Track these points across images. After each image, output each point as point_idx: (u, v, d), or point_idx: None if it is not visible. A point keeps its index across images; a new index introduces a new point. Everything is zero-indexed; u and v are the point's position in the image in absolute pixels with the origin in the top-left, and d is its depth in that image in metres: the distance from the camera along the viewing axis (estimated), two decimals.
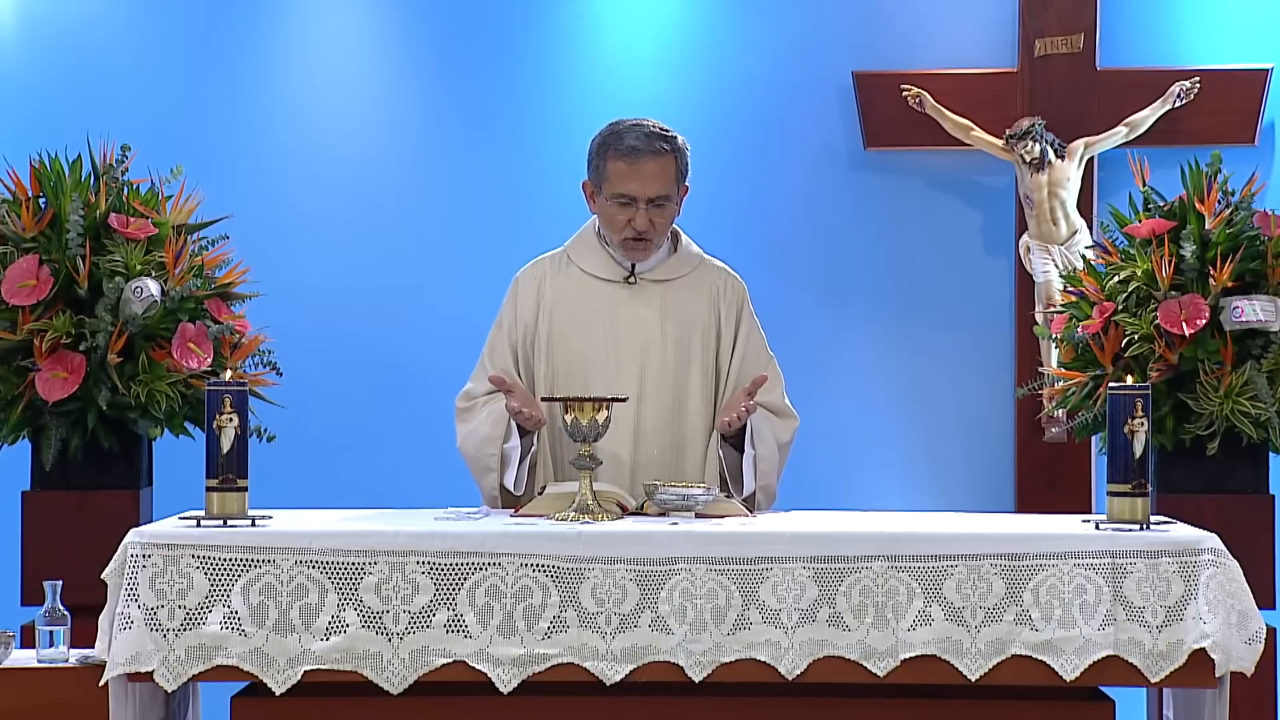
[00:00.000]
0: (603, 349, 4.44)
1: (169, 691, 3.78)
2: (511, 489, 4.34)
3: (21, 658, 3.92)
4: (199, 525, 3.78)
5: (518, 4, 6.17)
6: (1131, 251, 4.80)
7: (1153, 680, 3.71)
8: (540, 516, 3.96)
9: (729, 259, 4.64)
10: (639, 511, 4.08)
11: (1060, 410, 5.08)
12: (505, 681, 3.70)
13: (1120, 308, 4.72)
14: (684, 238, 4.57)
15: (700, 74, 6.13)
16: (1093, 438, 5.33)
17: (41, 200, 4.73)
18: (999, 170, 6.09)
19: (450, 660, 3.71)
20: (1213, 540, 3.77)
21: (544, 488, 4.26)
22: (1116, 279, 4.78)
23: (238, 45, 6.15)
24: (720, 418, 4.31)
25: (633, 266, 4.48)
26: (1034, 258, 5.96)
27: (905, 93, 6.04)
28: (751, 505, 4.31)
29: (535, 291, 4.51)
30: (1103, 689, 3.87)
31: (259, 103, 6.16)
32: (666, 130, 4.40)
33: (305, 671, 3.70)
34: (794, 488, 4.60)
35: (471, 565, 3.73)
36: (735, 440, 4.34)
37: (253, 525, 3.81)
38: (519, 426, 4.32)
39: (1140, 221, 4.83)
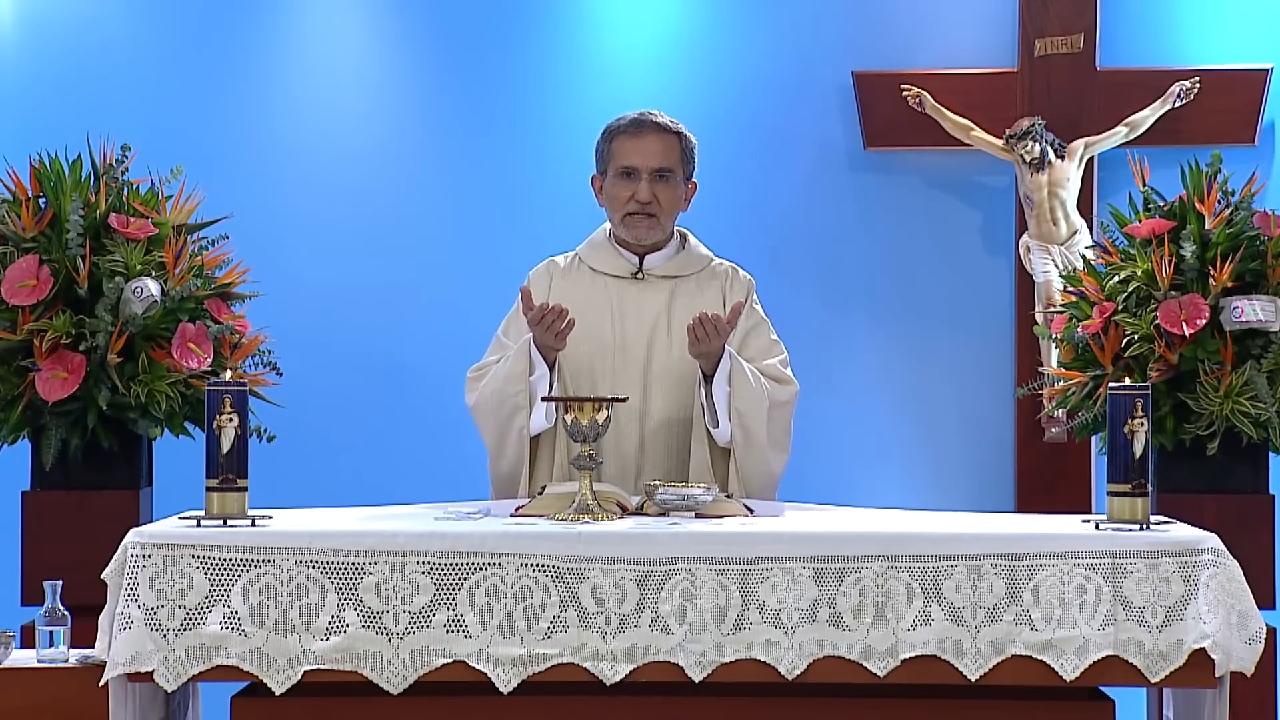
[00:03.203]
0: (609, 339, 4.47)
1: (169, 691, 3.78)
2: (545, 422, 4.35)
3: (21, 658, 3.92)
4: (199, 525, 3.78)
5: (518, 4, 6.17)
6: (1131, 251, 4.80)
7: (1153, 680, 3.71)
8: (540, 516, 3.96)
9: (729, 258, 4.65)
10: (639, 511, 4.08)
11: (1060, 410, 5.07)
12: (505, 681, 3.70)
13: (1120, 308, 4.72)
14: (692, 238, 4.60)
15: (700, 74, 6.14)
16: (1093, 438, 5.33)
17: (41, 200, 4.73)
18: (999, 170, 6.09)
19: (450, 660, 3.71)
20: (1213, 540, 3.77)
21: (544, 488, 4.26)
22: (1116, 279, 4.78)
23: (237, 45, 6.16)
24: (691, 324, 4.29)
25: (640, 262, 4.50)
26: (1034, 258, 5.96)
27: (905, 93, 6.05)
28: (730, 484, 4.31)
29: (546, 284, 4.56)
30: (1103, 689, 3.87)
31: (259, 103, 6.16)
32: (673, 119, 4.45)
33: (305, 671, 3.70)
34: (794, 488, 4.60)
35: (471, 565, 3.73)
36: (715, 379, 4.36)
37: (253, 525, 3.80)
38: (543, 358, 4.33)
39: (1140, 221, 4.83)
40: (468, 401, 4.48)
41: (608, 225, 4.58)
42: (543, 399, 4.33)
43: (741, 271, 4.61)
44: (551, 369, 4.36)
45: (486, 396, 4.42)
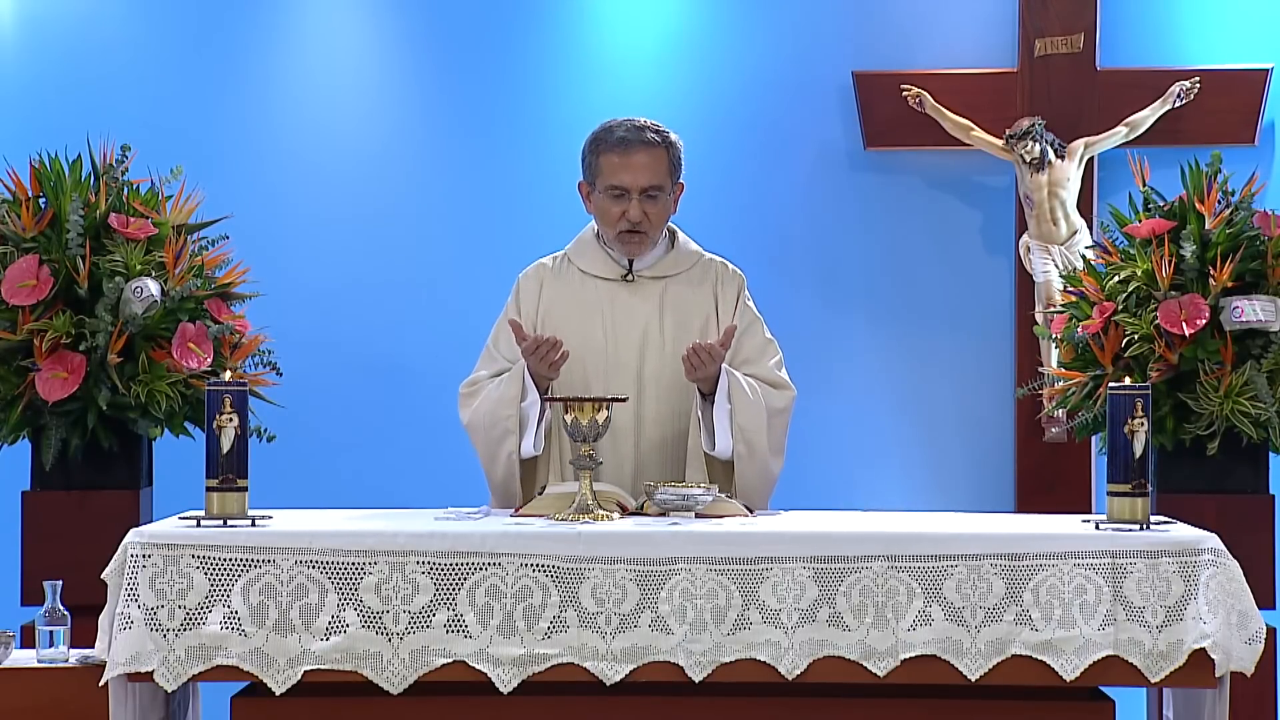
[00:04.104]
0: (601, 343, 4.46)
1: (169, 691, 3.78)
2: (533, 449, 4.34)
3: (21, 658, 3.92)
4: (199, 525, 3.79)
5: (518, 4, 6.17)
6: (1131, 251, 4.80)
7: (1153, 680, 3.71)
8: (540, 516, 3.96)
9: (729, 258, 4.65)
10: (639, 511, 4.08)
11: (1060, 410, 5.08)
12: (505, 681, 3.70)
13: (1120, 308, 4.72)
14: (681, 235, 4.59)
15: (700, 74, 6.14)
16: (1093, 438, 5.33)
17: (41, 200, 4.73)
18: (999, 170, 6.09)
19: (450, 660, 3.71)
20: (1213, 540, 3.77)
21: (544, 488, 4.26)
22: (1116, 279, 4.78)
23: (237, 45, 6.16)
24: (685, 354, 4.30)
25: (630, 264, 4.50)
26: (1034, 258, 5.96)
27: (905, 93, 6.05)
28: (732, 482, 4.31)
29: (537, 289, 4.53)
30: (1103, 689, 3.87)
31: (259, 103, 6.16)
32: (658, 125, 4.43)
33: (305, 671, 3.70)
34: (794, 488, 4.61)
35: (471, 565, 3.73)
36: (714, 397, 4.34)
37: (253, 525, 3.81)
38: (536, 385, 4.32)
39: (1140, 221, 4.83)
40: (461, 418, 4.46)
41: (594, 225, 4.56)
42: (543, 400, 4.33)
43: (731, 267, 4.58)
44: (543, 395, 4.34)
45: (479, 418, 4.40)
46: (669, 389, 4.43)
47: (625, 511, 4.06)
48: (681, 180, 4.48)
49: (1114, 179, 5.95)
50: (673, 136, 4.44)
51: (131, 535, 3.75)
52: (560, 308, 4.48)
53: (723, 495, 4.14)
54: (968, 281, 6.14)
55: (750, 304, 4.55)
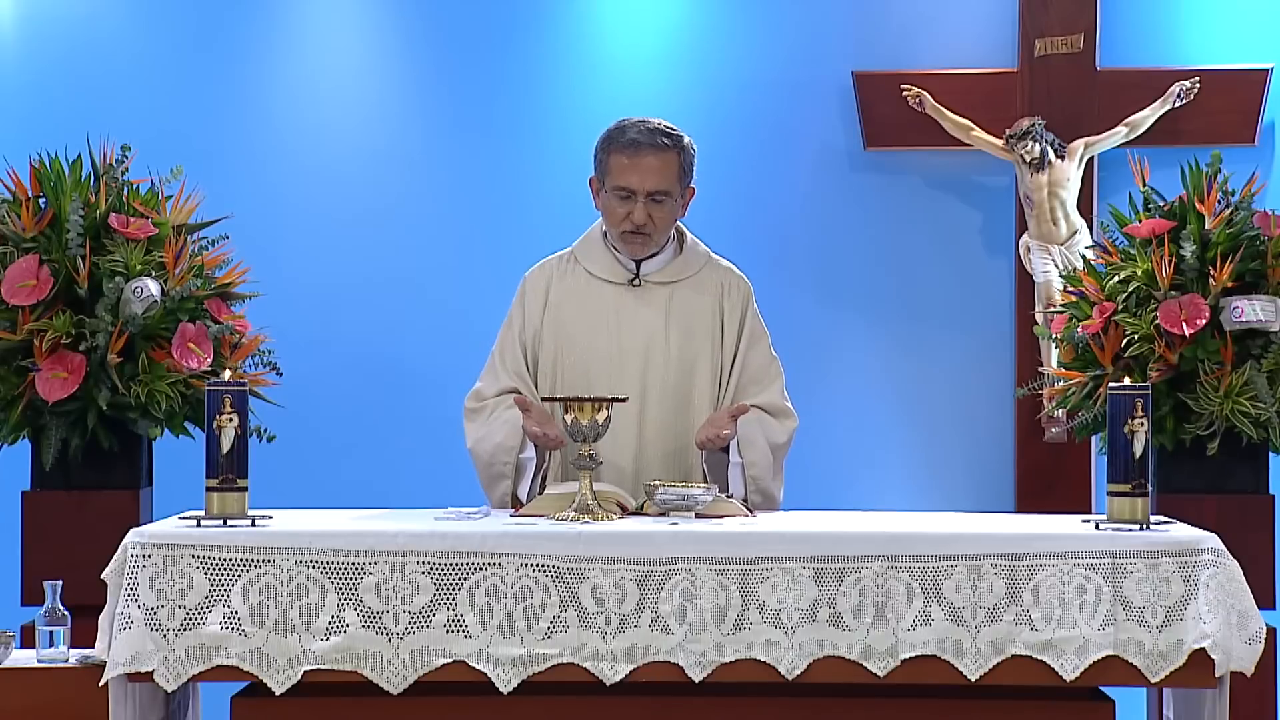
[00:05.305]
0: (606, 350, 4.44)
1: (169, 691, 3.78)
2: (524, 500, 4.33)
3: (21, 658, 3.92)
4: (199, 525, 3.79)
5: (518, 4, 6.17)
6: (1131, 251, 4.81)
7: (1153, 680, 3.71)
8: (540, 516, 3.96)
9: (729, 259, 4.64)
10: (639, 511, 4.08)
11: (1060, 410, 5.08)
12: (505, 681, 3.70)
13: (1120, 308, 4.72)
14: (689, 237, 4.57)
15: (701, 74, 6.13)
16: (1093, 438, 5.33)
17: (41, 200, 4.73)
18: (999, 170, 6.09)
19: (450, 660, 3.71)
20: (1213, 540, 3.77)
21: (544, 488, 4.26)
22: (1116, 279, 4.78)
23: (237, 45, 6.16)
24: (699, 434, 4.32)
25: (637, 268, 4.48)
26: (1034, 258, 5.96)
27: (905, 93, 6.05)
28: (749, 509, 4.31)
29: (543, 292, 4.51)
30: (1103, 689, 3.87)
31: (259, 103, 6.16)
32: (672, 128, 4.41)
33: (305, 671, 3.70)
34: (794, 488, 4.60)
35: (471, 565, 3.73)
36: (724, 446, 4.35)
37: (253, 525, 3.81)
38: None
39: (1140, 221, 4.83)
40: (466, 437, 4.44)
41: (602, 224, 4.55)
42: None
43: (738, 274, 4.55)
44: (539, 450, 4.35)
45: (480, 452, 4.39)
46: (672, 392, 4.43)
47: (625, 511, 4.06)
48: (693, 184, 4.46)
49: (1114, 179, 5.95)
50: (686, 140, 4.41)
51: (131, 535, 3.75)
52: (566, 312, 4.47)
53: (723, 495, 4.14)
54: (968, 281, 6.15)
55: (757, 316, 4.53)
